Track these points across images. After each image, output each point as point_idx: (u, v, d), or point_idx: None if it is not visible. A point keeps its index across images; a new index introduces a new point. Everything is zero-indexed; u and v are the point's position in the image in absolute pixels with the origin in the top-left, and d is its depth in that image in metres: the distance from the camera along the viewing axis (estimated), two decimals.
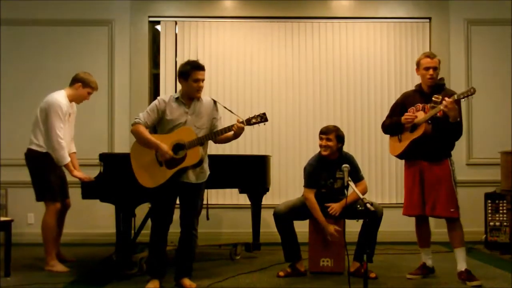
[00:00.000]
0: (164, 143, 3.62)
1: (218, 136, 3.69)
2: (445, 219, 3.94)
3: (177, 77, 3.80)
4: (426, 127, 3.85)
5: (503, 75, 5.94)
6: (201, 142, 3.65)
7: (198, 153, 3.63)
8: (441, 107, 3.71)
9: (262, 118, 3.67)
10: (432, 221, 4.19)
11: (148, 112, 3.71)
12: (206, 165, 3.83)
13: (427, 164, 3.94)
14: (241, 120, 3.64)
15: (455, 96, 3.69)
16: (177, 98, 3.73)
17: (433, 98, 3.79)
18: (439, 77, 4.01)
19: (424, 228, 4.11)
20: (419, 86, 4.07)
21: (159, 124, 3.75)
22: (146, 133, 3.67)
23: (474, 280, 3.83)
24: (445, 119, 3.77)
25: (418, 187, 3.97)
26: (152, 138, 3.66)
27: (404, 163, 4.14)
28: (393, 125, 4.09)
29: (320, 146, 4.20)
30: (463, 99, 3.68)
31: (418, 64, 4.01)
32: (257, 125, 3.70)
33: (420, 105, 3.92)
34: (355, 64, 6.02)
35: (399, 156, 4.11)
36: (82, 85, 4.53)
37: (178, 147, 3.63)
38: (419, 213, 3.98)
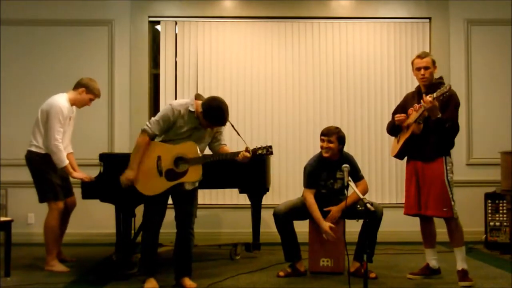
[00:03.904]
0: (166, 154, 3.63)
1: (221, 158, 3.70)
2: (444, 219, 3.94)
3: (200, 108, 3.61)
4: (414, 127, 3.90)
5: (503, 75, 5.93)
6: (205, 161, 3.64)
7: (199, 172, 3.63)
8: (423, 105, 3.76)
9: (268, 151, 3.67)
10: (435, 220, 4.15)
11: (159, 121, 3.65)
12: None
13: (421, 164, 3.96)
14: (248, 149, 3.64)
15: (434, 95, 3.71)
16: (192, 112, 3.67)
17: (424, 97, 3.79)
18: (438, 75, 4.04)
19: (428, 228, 4.08)
20: (418, 87, 4.10)
21: (166, 132, 3.72)
22: (140, 153, 3.65)
23: (466, 281, 3.82)
24: (430, 118, 3.80)
25: (414, 186, 3.99)
26: (136, 162, 3.65)
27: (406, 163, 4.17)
28: (391, 126, 4.17)
29: (321, 147, 4.20)
30: (441, 97, 3.70)
31: (412, 65, 4.05)
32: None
33: (417, 106, 3.92)
34: (355, 64, 6.02)
35: (396, 156, 4.16)
36: (86, 91, 4.54)
37: (179, 160, 3.63)
38: (416, 212, 3.99)
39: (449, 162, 3.93)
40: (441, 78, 4.05)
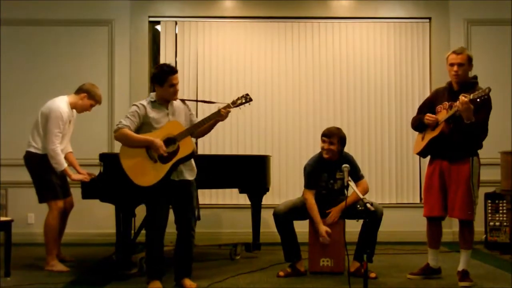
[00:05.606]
0: None
1: (206, 122, 3.74)
2: (461, 221, 3.87)
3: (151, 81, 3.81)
4: (444, 126, 3.75)
5: (503, 75, 5.92)
6: (191, 132, 3.70)
7: (190, 143, 3.68)
8: (456, 107, 3.60)
9: (246, 98, 3.80)
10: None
11: (129, 117, 3.65)
12: (192, 161, 3.83)
13: (447, 164, 3.84)
14: (226, 104, 3.74)
15: (470, 96, 3.53)
16: (154, 102, 3.72)
17: (460, 97, 3.61)
18: (472, 74, 3.89)
19: (437, 229, 4.01)
20: (449, 83, 3.94)
21: (141, 129, 3.69)
22: (133, 133, 3.63)
23: (466, 281, 3.80)
24: (462, 119, 3.63)
25: (437, 187, 3.87)
26: (142, 136, 3.64)
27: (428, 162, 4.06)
28: (418, 123, 4.00)
29: (322, 148, 4.19)
30: (478, 100, 3.51)
31: (446, 59, 3.86)
32: (245, 106, 3.85)
33: (447, 103, 3.79)
34: (355, 64, 6.02)
35: (419, 154, 4.07)
36: (87, 96, 4.54)
37: (168, 141, 3.64)
38: (439, 214, 3.89)
39: (476, 162, 3.80)
40: (475, 77, 3.89)
